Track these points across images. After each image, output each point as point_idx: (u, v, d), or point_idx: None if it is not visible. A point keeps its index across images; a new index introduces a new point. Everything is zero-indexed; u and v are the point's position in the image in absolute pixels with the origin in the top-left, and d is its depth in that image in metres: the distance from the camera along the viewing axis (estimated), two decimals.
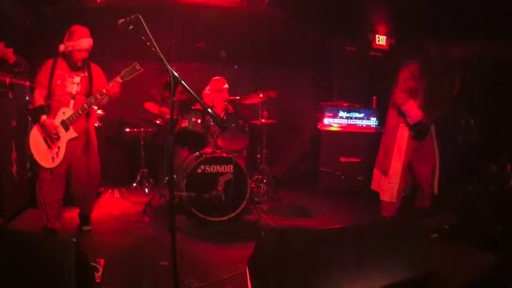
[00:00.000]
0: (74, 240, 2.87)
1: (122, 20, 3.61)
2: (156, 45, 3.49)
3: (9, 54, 6.07)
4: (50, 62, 5.35)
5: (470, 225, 5.75)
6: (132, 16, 3.57)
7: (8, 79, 5.85)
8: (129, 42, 6.09)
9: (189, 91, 3.58)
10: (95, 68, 5.68)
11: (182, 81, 3.47)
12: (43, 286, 2.78)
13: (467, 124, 6.90)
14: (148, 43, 3.49)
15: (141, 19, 3.53)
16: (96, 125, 7.17)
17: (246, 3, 8.38)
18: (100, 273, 4.10)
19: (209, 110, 3.73)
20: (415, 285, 3.21)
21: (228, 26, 8.47)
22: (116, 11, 7.48)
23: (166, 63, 3.44)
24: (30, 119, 6.21)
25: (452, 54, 6.36)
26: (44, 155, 5.14)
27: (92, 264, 4.00)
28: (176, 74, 3.43)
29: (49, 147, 5.15)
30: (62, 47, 5.32)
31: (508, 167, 6.49)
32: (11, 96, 5.98)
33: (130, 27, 3.57)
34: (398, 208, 6.05)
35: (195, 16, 8.17)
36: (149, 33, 3.51)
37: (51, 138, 5.15)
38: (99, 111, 7.37)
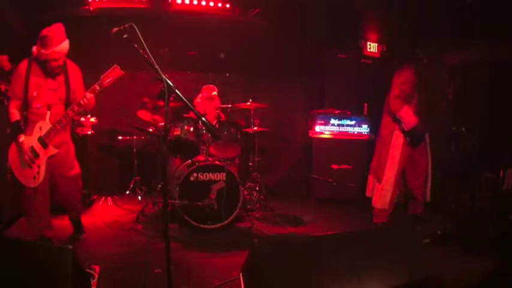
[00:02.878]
0: (71, 247, 2.89)
1: (116, 29, 3.64)
2: (150, 54, 3.51)
3: (4, 62, 6.07)
4: (23, 68, 5.01)
5: (464, 231, 5.78)
6: (126, 25, 3.60)
7: (3, 86, 5.86)
8: (123, 51, 6.15)
9: (182, 100, 3.60)
10: (71, 67, 5.33)
11: (176, 90, 3.49)
12: None
13: (461, 131, 6.97)
14: (142, 52, 3.51)
15: (135, 28, 3.55)
16: (89, 132, 7.18)
17: (238, 12, 8.42)
18: (96, 280, 4.11)
19: (203, 118, 3.75)
20: None
21: (219, 35, 8.51)
22: (109, 19, 7.52)
23: (160, 72, 3.47)
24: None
25: (446, 60, 6.42)
26: (25, 174, 4.95)
27: (88, 271, 4.01)
28: (170, 83, 3.45)
29: (29, 167, 4.95)
30: (35, 50, 4.99)
31: (501, 173, 6.54)
32: (6, 103, 5.98)
33: (124, 36, 3.59)
34: (390, 215, 6.08)
35: (187, 25, 8.20)
36: (143, 42, 3.53)
37: (30, 159, 4.91)
38: (92, 119, 7.37)
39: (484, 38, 6.94)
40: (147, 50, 3.52)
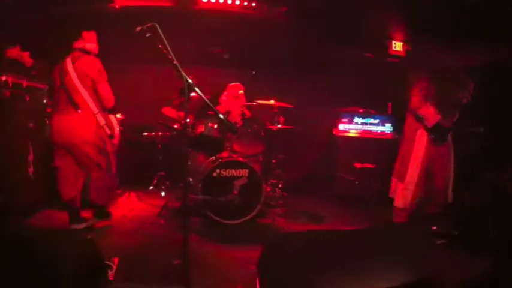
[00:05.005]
0: (89, 237, 3.00)
1: (139, 28, 3.76)
2: (171, 53, 3.60)
3: (26, 58, 6.17)
4: None
5: (469, 232, 5.77)
6: (149, 24, 3.71)
7: (24, 82, 6.00)
8: (146, 48, 6.27)
9: (202, 97, 3.69)
10: None
11: (196, 88, 3.58)
12: (56, 281, 2.89)
13: (468, 132, 6.99)
14: (164, 51, 3.60)
15: (158, 27, 3.66)
16: (117, 128, 7.33)
17: (264, 10, 8.45)
18: (113, 271, 4.22)
19: (221, 115, 3.85)
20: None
21: (245, 33, 8.54)
22: (132, 15, 7.63)
23: (180, 69, 3.56)
24: (47, 122, 6.33)
25: (466, 61, 6.42)
26: None
27: (106, 262, 4.12)
28: (190, 81, 3.54)
29: None
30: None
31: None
32: (27, 99, 6.12)
33: (147, 35, 3.69)
34: (410, 215, 6.09)
35: (213, 22, 8.26)
36: (165, 40, 3.63)
37: None
38: (118, 115, 7.49)
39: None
40: (169, 48, 3.61)
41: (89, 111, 5.71)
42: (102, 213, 6.23)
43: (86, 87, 5.67)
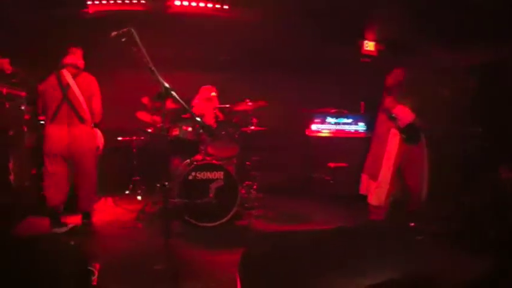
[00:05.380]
0: (73, 243, 3.00)
1: (114, 33, 3.76)
2: (147, 57, 3.62)
3: (6, 65, 6.15)
4: None
5: (462, 229, 5.86)
6: (125, 29, 3.71)
7: (4, 89, 5.96)
8: (119, 52, 6.25)
9: (179, 101, 3.71)
10: None
11: (173, 92, 3.60)
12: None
13: (458, 131, 7.09)
14: (140, 55, 3.61)
15: (134, 32, 3.66)
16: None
17: (237, 13, 8.49)
18: (96, 276, 4.21)
19: (198, 119, 3.88)
20: (399, 285, 3.34)
21: (218, 35, 8.57)
22: (107, 21, 7.61)
23: (157, 74, 3.58)
24: (25, 129, 6.36)
25: (441, 60, 6.52)
26: None
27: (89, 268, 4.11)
28: (167, 85, 3.56)
29: None
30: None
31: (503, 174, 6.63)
32: (7, 106, 6.08)
33: (122, 40, 3.70)
34: (386, 212, 6.16)
35: (186, 26, 8.26)
36: (141, 45, 3.64)
37: None
38: None
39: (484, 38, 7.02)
40: (145, 53, 3.62)
41: (89, 124, 6.16)
42: (88, 218, 6.36)
43: (86, 101, 6.07)
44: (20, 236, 5.49)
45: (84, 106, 6.03)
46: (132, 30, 3.69)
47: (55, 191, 6.02)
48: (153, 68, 3.61)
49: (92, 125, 6.23)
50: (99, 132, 6.42)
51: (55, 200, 6.00)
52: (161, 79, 3.58)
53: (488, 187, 6.57)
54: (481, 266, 4.69)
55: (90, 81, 6.21)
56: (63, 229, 5.98)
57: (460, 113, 7.07)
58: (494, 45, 7.05)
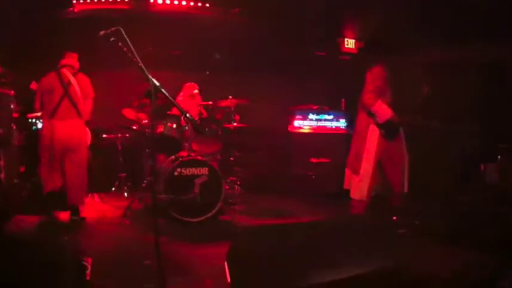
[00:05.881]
0: (66, 238, 3.10)
1: (103, 32, 3.81)
2: (137, 56, 3.70)
3: None
4: None
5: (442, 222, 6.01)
6: (113, 28, 3.78)
7: None
8: (105, 52, 6.34)
9: (168, 98, 3.81)
10: None
11: (162, 89, 3.69)
12: (40, 283, 2.96)
13: (437, 127, 7.23)
14: (130, 54, 3.69)
15: (122, 31, 3.74)
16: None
17: (218, 11, 8.57)
18: (89, 271, 4.29)
19: (187, 115, 3.97)
20: (381, 275, 3.47)
21: (200, 34, 8.63)
22: (92, 20, 7.67)
23: (146, 72, 3.67)
24: (14, 128, 6.42)
25: (421, 57, 6.64)
26: None
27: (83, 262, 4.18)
28: (157, 83, 3.65)
29: None
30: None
31: (482, 167, 6.80)
32: None
33: (111, 39, 3.77)
34: (368, 206, 6.28)
35: (169, 24, 8.33)
36: (130, 44, 3.72)
37: None
38: None
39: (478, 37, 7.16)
40: (134, 51, 3.70)
41: (84, 119, 6.56)
42: (76, 214, 6.46)
43: (83, 99, 6.44)
44: (14, 231, 5.56)
45: (82, 102, 6.41)
46: (121, 29, 3.76)
47: (51, 180, 6.31)
48: (142, 66, 3.69)
49: (85, 122, 6.60)
50: (88, 129, 6.79)
51: (51, 185, 6.33)
52: (150, 77, 3.66)
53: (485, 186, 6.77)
54: (480, 264, 4.86)
55: (86, 82, 6.58)
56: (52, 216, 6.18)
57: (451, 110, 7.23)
58: (486, 44, 7.20)
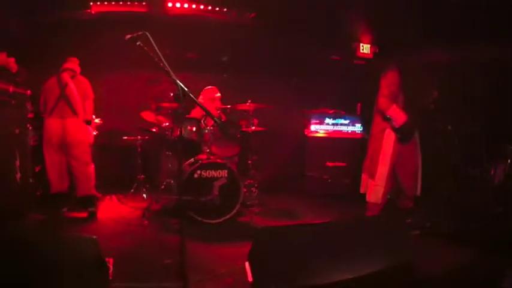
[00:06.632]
0: (95, 237, 3.19)
1: (129, 36, 3.87)
2: (163, 60, 3.77)
3: (12, 64, 6.30)
4: None
5: (449, 222, 6.06)
6: (140, 32, 3.85)
7: (11, 88, 6.10)
8: (122, 53, 6.45)
9: (196, 102, 3.90)
10: None
11: (190, 94, 3.77)
12: (69, 278, 3.05)
13: (446, 129, 7.27)
14: (155, 58, 3.77)
15: (149, 35, 3.81)
16: (94, 133, 7.47)
17: (234, 16, 8.63)
18: (111, 270, 4.36)
19: (215, 118, 4.08)
20: (395, 273, 3.55)
21: (217, 37, 8.71)
22: (109, 22, 7.78)
23: (174, 76, 3.74)
24: (30, 128, 6.55)
25: (434, 60, 6.68)
26: None
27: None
28: (184, 86, 3.72)
29: None
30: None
31: (492, 170, 6.83)
32: (14, 103, 6.21)
33: (137, 43, 3.84)
34: (382, 208, 6.34)
35: (186, 28, 8.39)
36: (156, 48, 3.79)
37: None
38: (97, 120, 7.69)
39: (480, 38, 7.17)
40: (161, 56, 3.77)
41: (81, 118, 6.85)
42: (92, 206, 6.95)
43: (81, 100, 6.82)
44: (33, 229, 5.67)
45: (79, 102, 6.79)
46: (147, 33, 3.82)
47: (57, 178, 6.79)
48: (169, 70, 3.76)
49: (84, 120, 6.93)
50: (90, 128, 7.19)
51: (58, 186, 6.82)
52: (178, 81, 3.73)
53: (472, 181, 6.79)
54: (462, 256, 4.90)
55: (85, 83, 7.00)
56: (63, 213, 6.75)
57: (456, 112, 7.26)
58: (492, 45, 7.21)
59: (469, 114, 7.42)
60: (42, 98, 6.83)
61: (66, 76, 6.81)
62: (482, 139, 7.35)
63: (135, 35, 3.86)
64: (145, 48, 3.83)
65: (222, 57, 9.64)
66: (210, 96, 7.88)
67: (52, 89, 6.75)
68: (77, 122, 6.78)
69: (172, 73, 3.76)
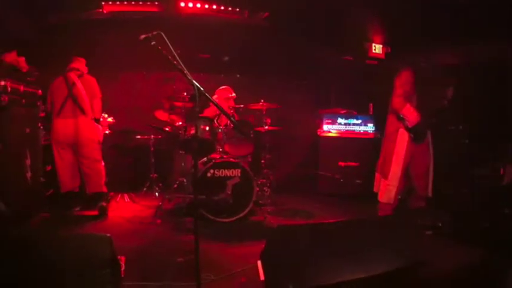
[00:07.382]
0: (109, 235, 3.22)
1: (143, 36, 3.85)
2: (179, 60, 3.78)
3: (22, 63, 6.31)
4: None
5: (458, 222, 6.06)
6: (155, 32, 3.85)
7: (22, 87, 6.14)
8: (135, 53, 6.48)
9: (212, 101, 3.91)
10: None
11: (206, 94, 3.78)
12: (82, 276, 3.09)
13: (457, 129, 7.26)
14: (170, 58, 3.77)
15: (163, 35, 3.81)
16: (106, 132, 7.53)
17: (246, 16, 8.65)
18: (123, 268, 4.39)
19: (231, 118, 4.10)
20: (407, 272, 3.56)
21: (229, 38, 8.73)
22: (121, 22, 7.82)
23: (190, 77, 3.74)
24: (41, 127, 6.60)
25: (445, 61, 6.67)
26: None
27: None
28: (199, 86, 3.72)
29: None
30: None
31: (502, 170, 6.81)
32: (24, 102, 6.25)
33: (152, 43, 3.84)
34: (394, 208, 6.34)
35: (198, 28, 8.41)
36: (172, 48, 3.80)
37: None
38: (110, 119, 7.73)
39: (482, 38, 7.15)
40: (176, 56, 3.78)
41: (90, 116, 7.00)
42: (102, 200, 7.13)
43: (89, 99, 6.98)
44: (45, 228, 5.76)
45: (87, 101, 6.94)
46: (162, 34, 3.83)
47: (68, 177, 6.98)
48: (184, 70, 3.77)
49: (93, 119, 7.06)
50: (99, 126, 7.27)
51: (69, 185, 7.01)
52: (194, 81, 3.73)
53: (483, 181, 6.79)
54: (470, 255, 4.90)
55: (93, 82, 7.14)
56: (74, 212, 6.87)
57: (468, 111, 7.24)
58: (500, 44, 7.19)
59: (477, 114, 7.39)
60: (50, 98, 6.97)
61: (73, 76, 6.96)
62: (491, 139, 7.33)
63: (149, 34, 3.84)
64: (159, 47, 3.82)
65: (235, 57, 9.64)
66: (225, 96, 7.93)
67: (59, 88, 6.89)
68: (86, 120, 6.91)
69: (188, 73, 3.76)
